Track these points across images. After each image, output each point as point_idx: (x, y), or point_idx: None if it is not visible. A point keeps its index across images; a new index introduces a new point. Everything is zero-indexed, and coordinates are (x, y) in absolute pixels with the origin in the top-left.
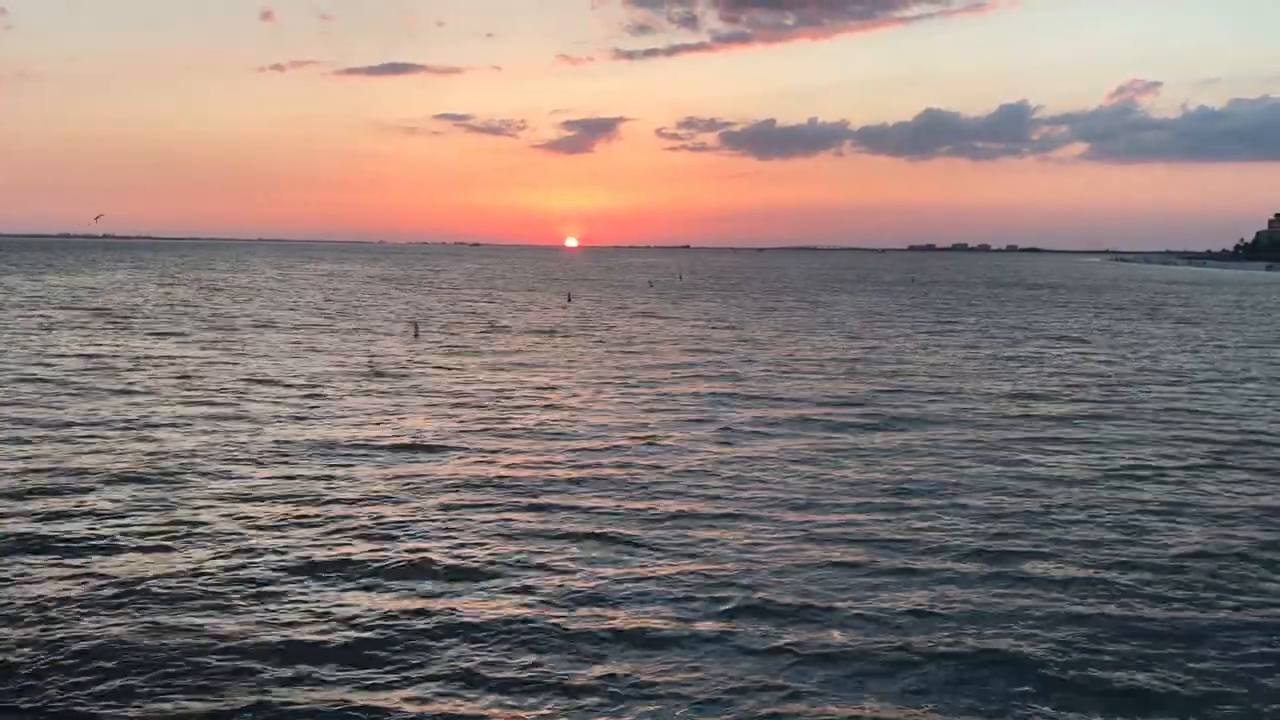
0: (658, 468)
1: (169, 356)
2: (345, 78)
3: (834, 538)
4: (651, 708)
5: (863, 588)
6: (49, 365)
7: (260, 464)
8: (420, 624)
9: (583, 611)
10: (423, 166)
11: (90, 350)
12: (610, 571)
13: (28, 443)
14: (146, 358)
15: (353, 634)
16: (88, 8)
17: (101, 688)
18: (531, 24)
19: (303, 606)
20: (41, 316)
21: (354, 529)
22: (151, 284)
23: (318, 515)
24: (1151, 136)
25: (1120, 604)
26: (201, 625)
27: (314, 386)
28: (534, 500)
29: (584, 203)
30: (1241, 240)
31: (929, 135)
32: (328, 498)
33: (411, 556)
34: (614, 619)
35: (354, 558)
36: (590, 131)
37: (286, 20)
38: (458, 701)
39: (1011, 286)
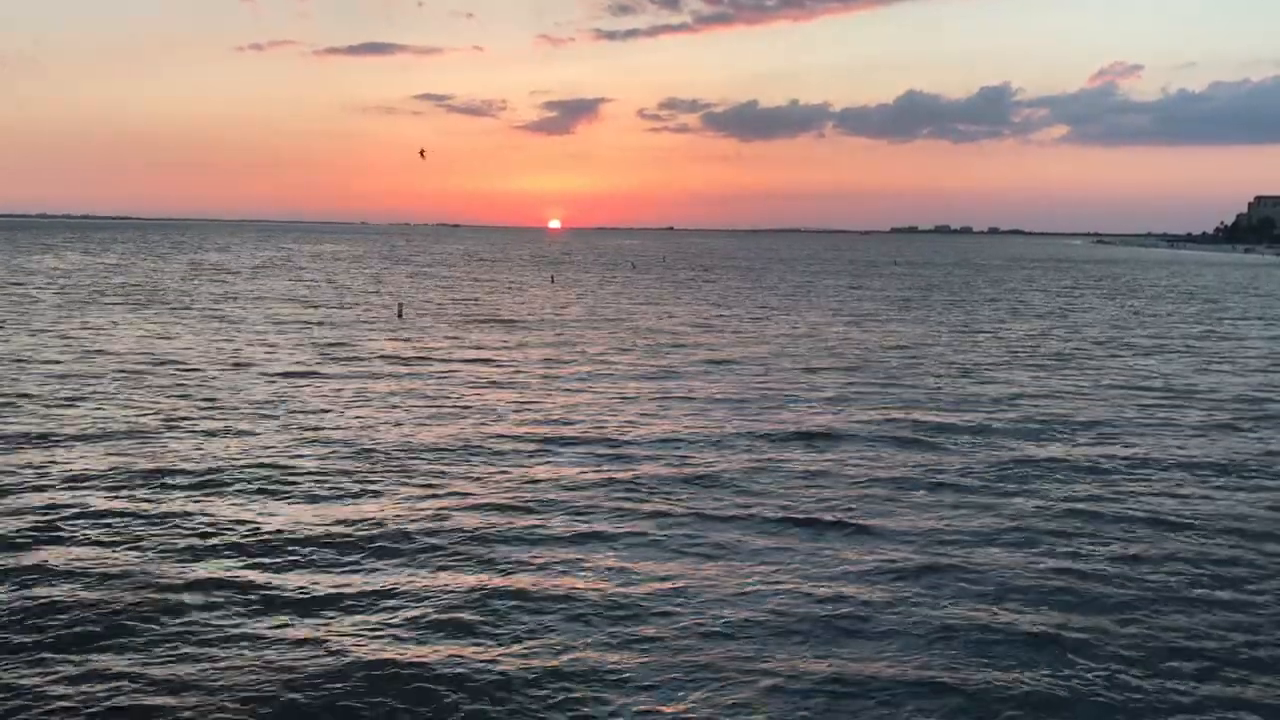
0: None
1: (159, 334)
2: (325, 58)
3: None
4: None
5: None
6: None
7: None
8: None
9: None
10: (403, 147)
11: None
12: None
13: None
14: (142, 336)
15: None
16: None
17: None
18: (512, 4)
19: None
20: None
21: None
22: (148, 264)
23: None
24: (1132, 119)
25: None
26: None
27: (296, 371)
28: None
29: (566, 184)
30: (1222, 223)
31: (910, 117)
32: (316, 479)
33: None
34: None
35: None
36: (571, 112)
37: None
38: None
39: (1007, 268)
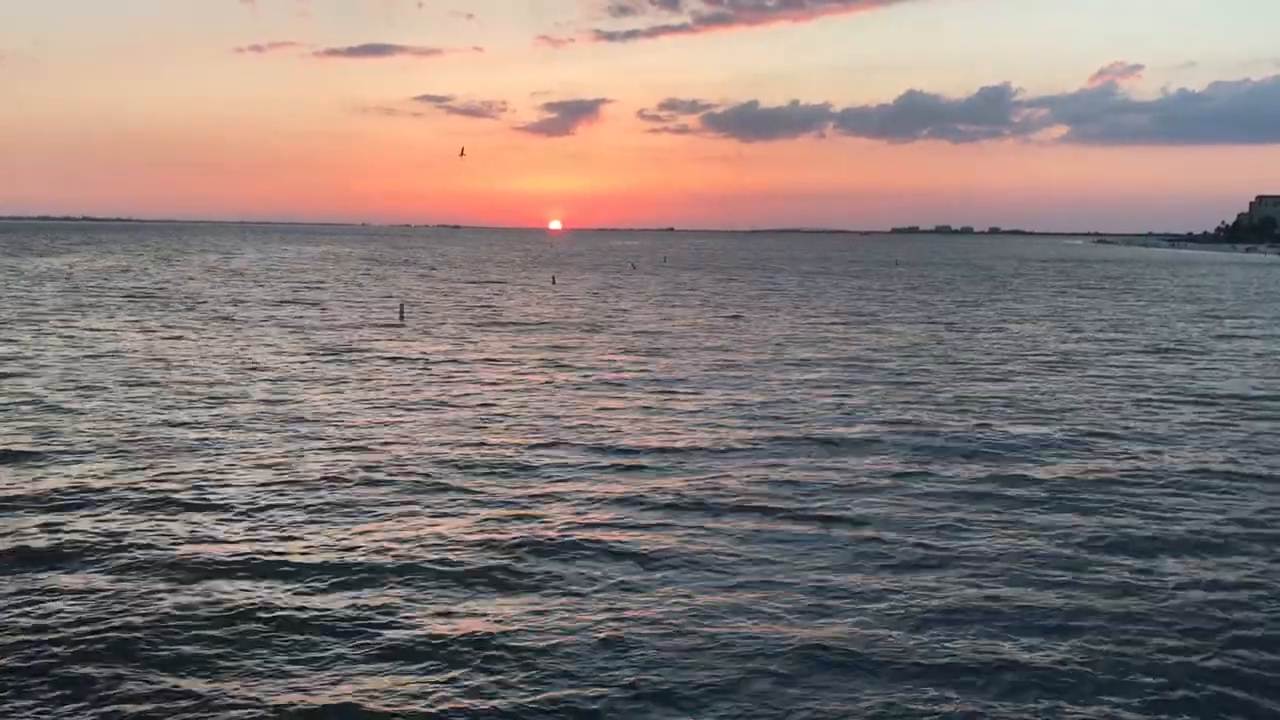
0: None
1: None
2: (325, 59)
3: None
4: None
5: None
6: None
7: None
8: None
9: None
10: (403, 148)
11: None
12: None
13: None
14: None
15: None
16: None
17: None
18: (512, 5)
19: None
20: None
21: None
22: (148, 266)
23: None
24: (1132, 119)
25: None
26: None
27: (288, 373)
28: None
29: (566, 185)
30: (1223, 223)
31: (910, 118)
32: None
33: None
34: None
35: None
36: (571, 113)
37: (265, 1)
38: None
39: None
